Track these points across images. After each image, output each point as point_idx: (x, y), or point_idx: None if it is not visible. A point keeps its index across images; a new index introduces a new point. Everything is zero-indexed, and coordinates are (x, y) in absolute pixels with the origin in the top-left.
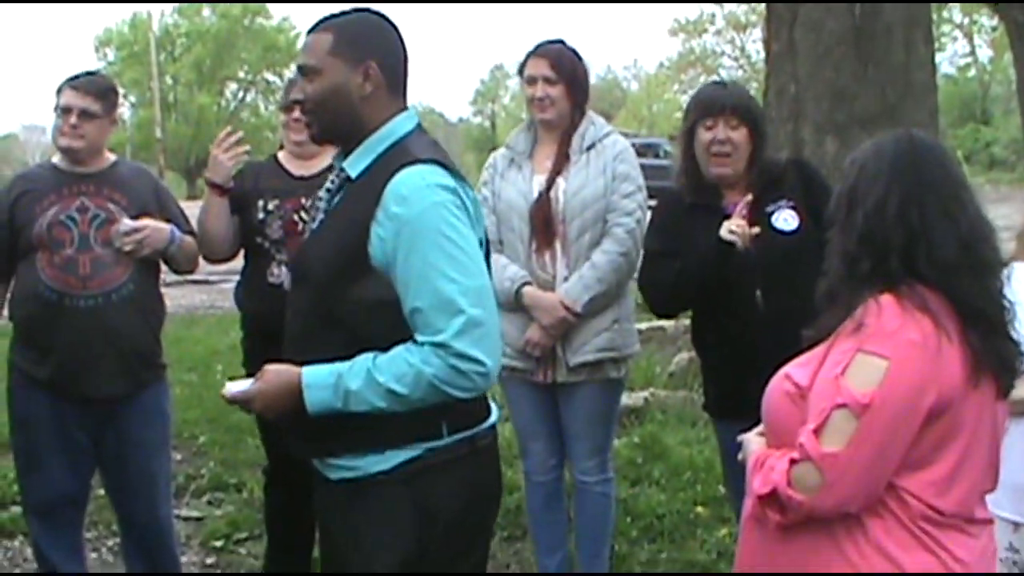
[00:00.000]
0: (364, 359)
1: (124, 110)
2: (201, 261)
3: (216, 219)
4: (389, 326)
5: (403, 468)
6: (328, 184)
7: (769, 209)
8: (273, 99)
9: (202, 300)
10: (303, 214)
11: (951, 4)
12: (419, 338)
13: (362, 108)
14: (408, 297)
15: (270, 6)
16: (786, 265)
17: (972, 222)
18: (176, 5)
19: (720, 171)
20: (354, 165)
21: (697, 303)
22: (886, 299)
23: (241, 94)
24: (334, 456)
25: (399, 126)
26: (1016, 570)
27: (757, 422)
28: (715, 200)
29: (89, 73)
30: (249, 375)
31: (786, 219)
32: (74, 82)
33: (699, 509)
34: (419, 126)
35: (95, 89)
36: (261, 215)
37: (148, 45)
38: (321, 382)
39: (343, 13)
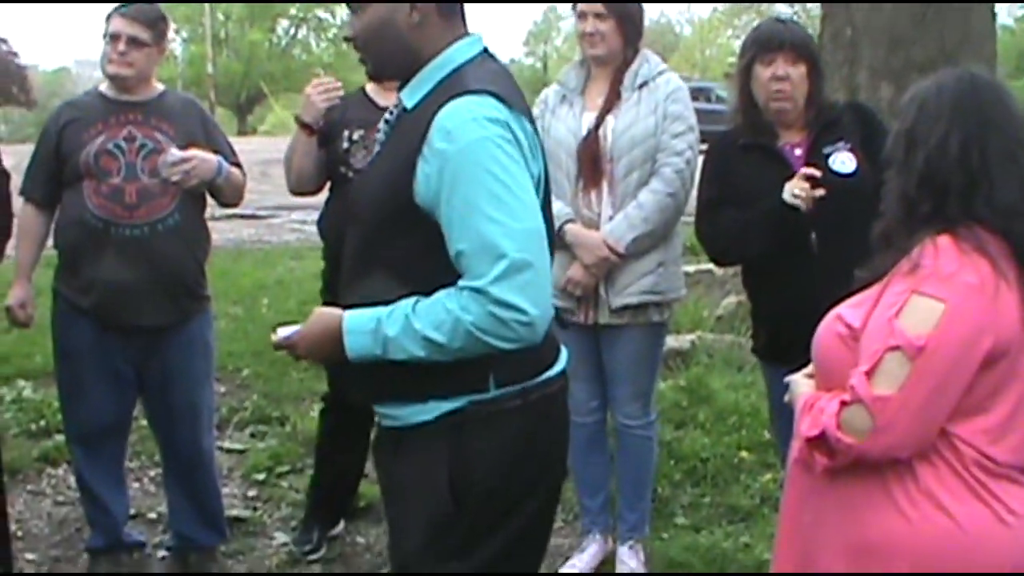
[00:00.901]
0: (404, 304)
1: (176, 45)
2: (247, 194)
3: (303, 157)
4: (436, 270)
5: (444, 420)
6: (387, 116)
7: (826, 151)
8: (324, 36)
9: (250, 234)
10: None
11: None
12: (460, 283)
13: (412, 38)
14: (452, 239)
15: None
16: (842, 208)
17: None
18: None
19: (779, 107)
20: (410, 95)
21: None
22: (943, 240)
23: (293, 31)
24: (378, 403)
25: (458, 52)
26: None
27: (806, 365)
28: (771, 140)
29: (140, 2)
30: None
31: (843, 161)
32: (124, 10)
33: (743, 454)
34: (484, 52)
35: (145, 17)
36: (346, 145)
37: None
38: (361, 327)
39: None
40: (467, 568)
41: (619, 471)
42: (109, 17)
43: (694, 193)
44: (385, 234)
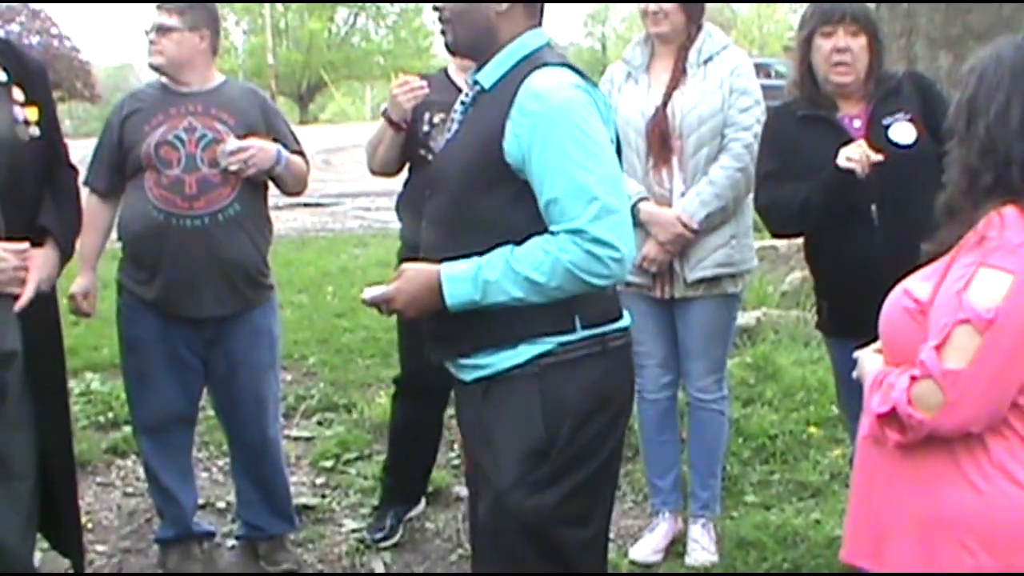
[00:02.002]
0: (501, 251)
1: (236, 37)
2: (310, 183)
3: (388, 149)
4: (525, 224)
5: (535, 362)
6: (463, 98)
7: (886, 122)
8: (383, 23)
9: (313, 223)
10: None
11: None
12: (554, 228)
13: (497, 23)
14: (544, 189)
15: None
16: (903, 179)
17: None
18: None
19: (840, 79)
20: (488, 77)
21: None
22: (1009, 211)
23: (352, 19)
24: (470, 356)
25: (530, 40)
26: None
27: (872, 340)
28: (830, 111)
29: None
30: None
31: (903, 132)
32: (164, 2)
33: (812, 430)
34: (548, 43)
35: (173, 5)
36: (426, 127)
37: None
38: (460, 275)
39: None
40: (553, 498)
41: (692, 448)
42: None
43: None
44: (475, 194)
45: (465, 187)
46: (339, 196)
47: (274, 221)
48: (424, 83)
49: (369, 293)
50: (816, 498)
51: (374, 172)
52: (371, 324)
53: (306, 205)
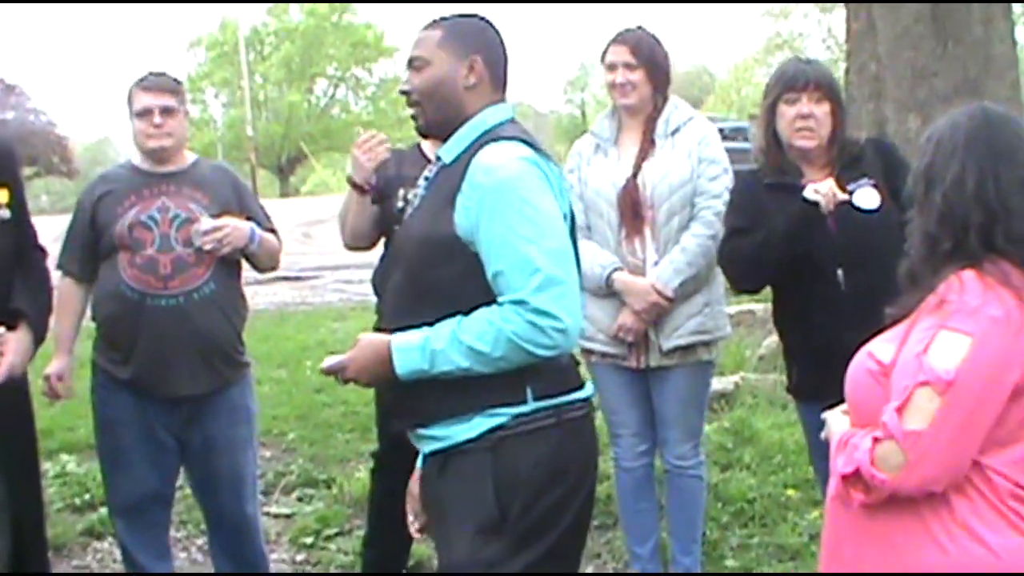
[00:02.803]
0: (449, 321)
1: (216, 110)
2: (283, 258)
3: (356, 216)
4: (476, 295)
5: (488, 436)
6: (427, 173)
7: (850, 187)
8: (363, 95)
9: (293, 297)
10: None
11: None
12: (500, 299)
13: (465, 97)
14: (491, 262)
15: (356, 6)
16: (868, 243)
17: None
18: (265, 5)
19: (804, 144)
20: (449, 152)
21: (779, 280)
22: (968, 275)
23: (331, 90)
24: (425, 426)
25: (491, 115)
26: None
27: (840, 401)
28: (795, 178)
29: (156, 74)
30: None
31: (868, 197)
32: (144, 83)
33: (790, 492)
34: (512, 119)
35: (167, 86)
36: (400, 204)
37: (237, 45)
38: (409, 345)
39: (452, 15)
40: (511, 572)
41: (671, 515)
42: (130, 95)
43: None
44: (429, 267)
45: (420, 260)
46: (319, 269)
47: (253, 296)
48: (384, 137)
49: (327, 362)
50: (795, 560)
51: (348, 245)
52: (350, 399)
53: (286, 279)
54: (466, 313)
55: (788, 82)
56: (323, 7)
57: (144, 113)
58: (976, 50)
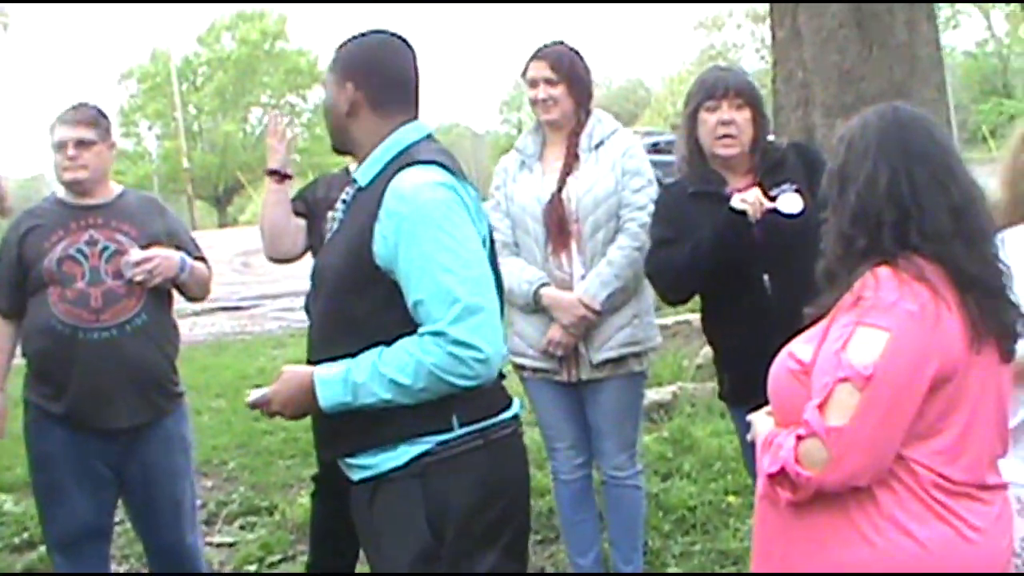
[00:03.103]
0: (370, 353)
1: (150, 142)
2: (222, 288)
3: (273, 208)
4: (397, 323)
5: (415, 463)
6: (344, 196)
7: (773, 193)
8: (298, 122)
9: (232, 326)
10: None
11: None
12: (420, 329)
13: (348, 123)
14: (410, 291)
15: (289, 31)
16: (792, 248)
17: (963, 190)
18: (195, 35)
19: (726, 152)
20: (364, 174)
21: (706, 289)
22: (883, 271)
23: (266, 119)
24: (351, 456)
25: (405, 135)
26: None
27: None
28: (719, 186)
29: (76, 106)
30: None
31: (791, 202)
32: (63, 116)
33: (731, 498)
34: (428, 136)
35: (85, 118)
36: (331, 225)
37: (169, 76)
38: (332, 378)
39: (354, 36)
40: None
41: (611, 525)
42: (52, 128)
43: None
44: (349, 295)
45: (339, 288)
46: (259, 298)
47: (192, 327)
48: (287, 118)
49: (252, 395)
50: (738, 565)
51: (269, 255)
52: (290, 425)
53: (225, 309)
54: (388, 343)
55: (708, 90)
56: (255, 34)
57: (60, 146)
58: (901, 53)
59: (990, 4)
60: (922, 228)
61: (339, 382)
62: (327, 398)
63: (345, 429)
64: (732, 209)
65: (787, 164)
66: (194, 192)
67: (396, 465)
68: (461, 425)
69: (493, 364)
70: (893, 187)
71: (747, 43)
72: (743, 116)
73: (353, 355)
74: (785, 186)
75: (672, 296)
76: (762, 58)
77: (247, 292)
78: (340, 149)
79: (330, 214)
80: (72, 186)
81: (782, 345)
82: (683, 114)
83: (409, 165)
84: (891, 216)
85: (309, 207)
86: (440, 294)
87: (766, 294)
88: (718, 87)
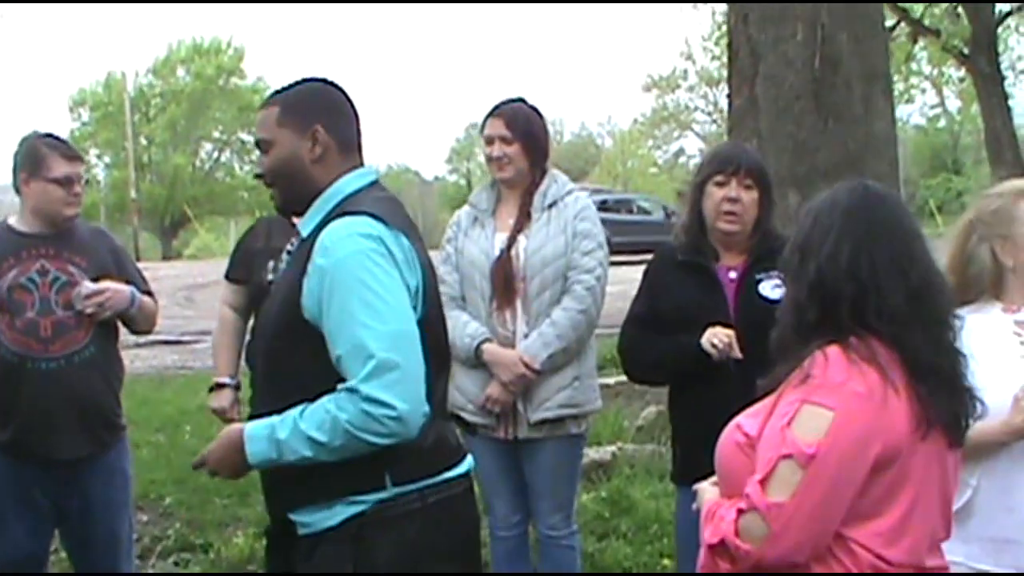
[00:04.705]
0: (295, 410)
1: (98, 171)
2: (164, 321)
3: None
4: (325, 379)
5: (349, 524)
6: (289, 247)
7: (759, 276)
8: (248, 159)
9: (173, 360)
10: None
11: (919, 56)
12: (339, 386)
13: (314, 171)
14: (332, 346)
15: (245, 67)
16: (764, 333)
17: (923, 274)
18: (150, 65)
19: (727, 228)
20: (306, 225)
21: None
22: (833, 351)
23: (216, 154)
24: (290, 511)
25: (347, 184)
26: None
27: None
28: (708, 260)
29: (58, 139)
30: None
31: (773, 287)
32: (64, 150)
33: (666, 562)
34: (374, 183)
35: (76, 154)
36: (270, 276)
37: (123, 106)
38: (259, 435)
39: (289, 85)
40: None
41: None
42: (42, 157)
43: (608, 307)
44: (282, 348)
45: (274, 341)
46: (201, 333)
47: (133, 360)
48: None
49: (196, 460)
50: None
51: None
52: None
53: (167, 343)
54: (312, 399)
55: (720, 164)
56: (210, 68)
57: (66, 181)
58: (856, 127)
59: (944, 79)
60: (880, 309)
61: (264, 438)
62: (254, 455)
63: (285, 484)
64: (700, 346)
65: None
66: (140, 223)
67: (331, 525)
68: (395, 484)
69: (409, 421)
70: (854, 264)
71: (699, 106)
72: (750, 196)
73: (281, 410)
74: (773, 273)
75: (634, 381)
76: (714, 122)
77: (189, 327)
78: (291, 207)
79: (270, 264)
80: (66, 221)
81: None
82: (691, 183)
83: (339, 216)
84: (850, 292)
85: (249, 259)
86: (356, 350)
87: (730, 377)
88: (730, 163)
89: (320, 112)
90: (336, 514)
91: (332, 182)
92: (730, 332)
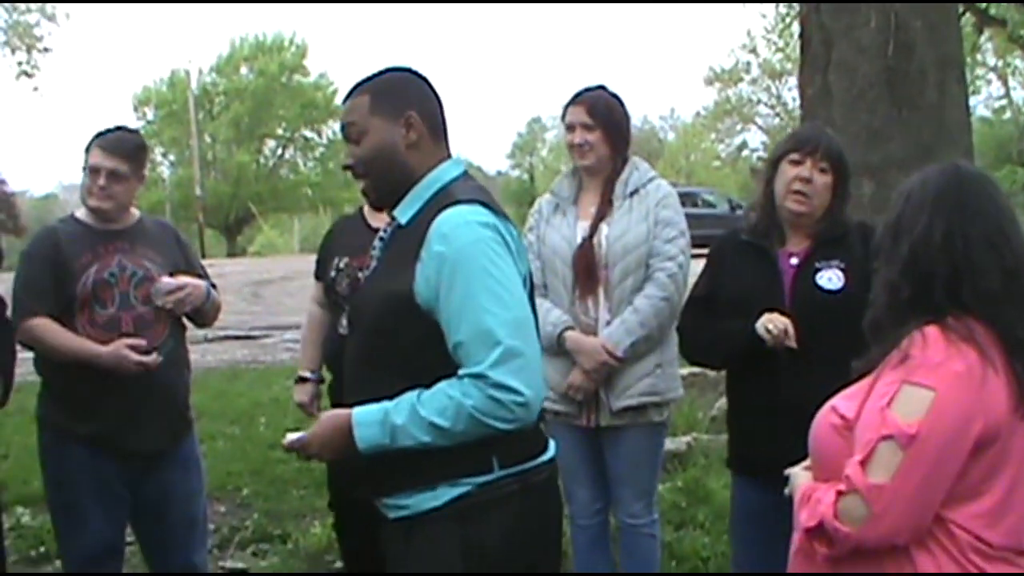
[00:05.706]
0: (409, 395)
1: (163, 169)
2: (233, 317)
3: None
4: (436, 364)
5: (454, 504)
6: (381, 234)
7: (818, 265)
8: (311, 156)
9: (244, 355)
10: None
11: (985, 47)
12: (460, 371)
13: (410, 158)
14: (451, 332)
15: (308, 63)
16: (823, 323)
17: (1017, 253)
18: (213, 63)
19: (795, 207)
20: (404, 212)
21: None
22: (931, 331)
23: (280, 151)
24: (389, 495)
25: (445, 172)
26: None
27: (776, 479)
28: (772, 243)
29: (119, 128)
30: None
31: (831, 278)
32: (103, 141)
33: None
34: (465, 173)
35: (124, 150)
36: (333, 273)
37: (187, 104)
38: (370, 419)
39: (374, 75)
40: None
41: (624, 571)
42: (89, 147)
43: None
44: (388, 335)
45: (378, 327)
46: (269, 328)
47: (204, 354)
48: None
49: (289, 439)
50: None
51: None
52: None
53: (236, 338)
54: (427, 384)
55: (798, 143)
56: (273, 66)
57: (93, 171)
58: (930, 115)
59: (1010, 70)
60: (975, 287)
61: (377, 424)
62: (365, 439)
63: (386, 469)
64: (754, 331)
65: (846, 243)
66: (205, 221)
67: (435, 506)
68: (500, 467)
69: (533, 408)
70: (948, 243)
71: (762, 99)
72: (823, 180)
73: (391, 397)
74: (833, 262)
75: (691, 362)
76: (777, 115)
77: (257, 322)
78: (387, 199)
79: (342, 261)
80: (94, 212)
81: (786, 422)
82: (767, 160)
83: (451, 204)
84: (944, 272)
85: (323, 258)
86: (482, 336)
87: (779, 372)
88: (808, 143)
89: (412, 98)
90: (440, 495)
91: (428, 170)
92: (786, 320)
